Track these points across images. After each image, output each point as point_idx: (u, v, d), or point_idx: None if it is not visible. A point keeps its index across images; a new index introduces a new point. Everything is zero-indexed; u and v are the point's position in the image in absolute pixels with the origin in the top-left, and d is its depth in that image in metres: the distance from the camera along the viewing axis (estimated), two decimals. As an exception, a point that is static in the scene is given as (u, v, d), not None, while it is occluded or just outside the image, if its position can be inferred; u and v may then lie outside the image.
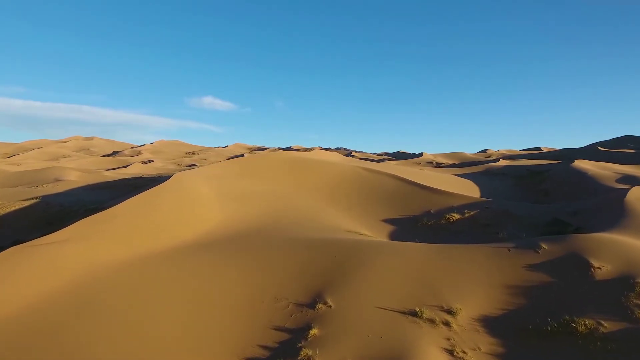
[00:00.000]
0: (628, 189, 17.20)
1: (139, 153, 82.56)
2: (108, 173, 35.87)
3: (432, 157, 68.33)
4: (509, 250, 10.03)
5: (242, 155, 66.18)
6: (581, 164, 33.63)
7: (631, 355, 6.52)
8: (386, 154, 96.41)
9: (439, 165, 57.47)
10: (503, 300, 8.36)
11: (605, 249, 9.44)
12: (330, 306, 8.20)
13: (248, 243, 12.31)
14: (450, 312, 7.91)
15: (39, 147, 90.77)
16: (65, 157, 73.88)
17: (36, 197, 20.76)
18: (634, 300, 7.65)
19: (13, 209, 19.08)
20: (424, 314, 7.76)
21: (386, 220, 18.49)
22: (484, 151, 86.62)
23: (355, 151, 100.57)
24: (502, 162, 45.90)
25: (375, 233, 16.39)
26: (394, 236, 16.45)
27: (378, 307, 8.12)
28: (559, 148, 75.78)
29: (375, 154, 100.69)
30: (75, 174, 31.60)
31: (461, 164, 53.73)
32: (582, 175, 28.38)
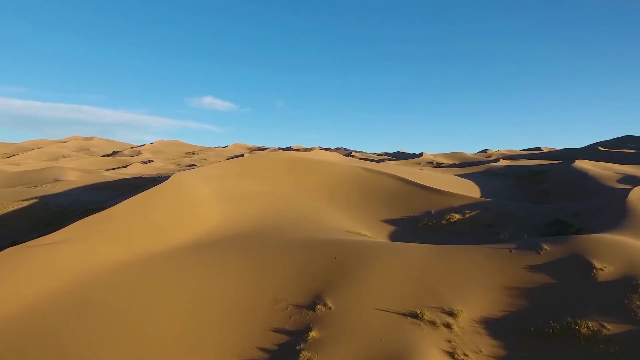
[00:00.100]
0: (630, 189, 17.12)
1: (138, 153, 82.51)
2: (107, 173, 35.80)
3: (432, 157, 68.25)
4: (510, 251, 9.96)
5: (242, 155, 66.12)
6: (582, 164, 33.55)
7: (634, 357, 6.45)
8: (386, 154, 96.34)
9: (439, 165, 57.39)
10: (504, 301, 8.28)
11: (607, 250, 9.37)
12: (330, 308, 8.13)
13: (247, 243, 12.24)
14: (451, 313, 7.84)
15: (38, 147, 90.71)
16: (64, 157, 73.83)
17: (35, 198, 20.70)
18: (637, 302, 7.58)
19: (12, 209, 19.01)
20: (424, 316, 7.69)
21: (386, 221, 18.41)
22: (484, 151, 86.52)
23: (355, 151, 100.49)
24: (503, 162, 45.81)
25: (375, 233, 16.32)
26: (394, 237, 16.38)
27: (378, 309, 8.05)
28: (559, 148, 75.71)
29: (375, 154, 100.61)
30: (75, 174, 31.54)
31: (461, 164, 53.66)
32: (583, 175, 28.30)
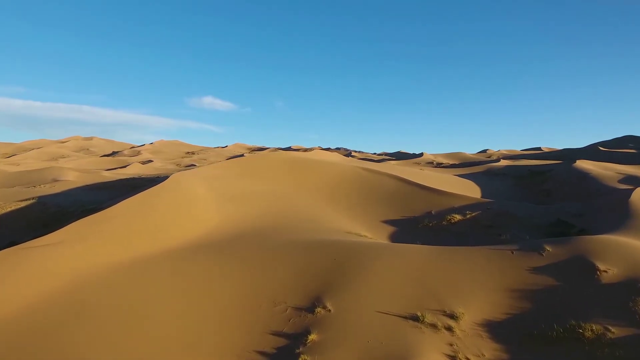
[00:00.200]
0: (632, 190, 16.98)
1: (138, 153, 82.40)
2: (107, 173, 35.69)
3: (432, 157, 68.11)
4: (512, 253, 9.83)
5: (242, 155, 66.03)
6: (583, 164, 33.41)
7: (640, 362, 6.33)
8: (386, 154, 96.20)
9: (439, 165, 57.27)
10: (507, 304, 8.16)
11: (611, 251, 9.24)
12: (329, 310, 8.01)
13: (247, 244, 12.12)
14: (452, 316, 7.71)
15: (38, 147, 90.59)
16: (64, 157, 73.72)
17: (33, 198, 20.59)
18: (642, 305, 7.45)
19: (10, 209, 18.91)
20: (425, 319, 7.57)
21: (386, 221, 18.29)
22: (484, 151, 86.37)
23: (355, 151, 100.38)
24: (503, 162, 45.68)
25: (375, 234, 16.20)
26: (394, 237, 16.26)
27: (379, 312, 7.93)
28: (560, 148, 75.53)
29: (375, 154, 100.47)
30: (74, 174, 31.42)
31: (461, 164, 53.53)
32: (584, 175, 28.17)
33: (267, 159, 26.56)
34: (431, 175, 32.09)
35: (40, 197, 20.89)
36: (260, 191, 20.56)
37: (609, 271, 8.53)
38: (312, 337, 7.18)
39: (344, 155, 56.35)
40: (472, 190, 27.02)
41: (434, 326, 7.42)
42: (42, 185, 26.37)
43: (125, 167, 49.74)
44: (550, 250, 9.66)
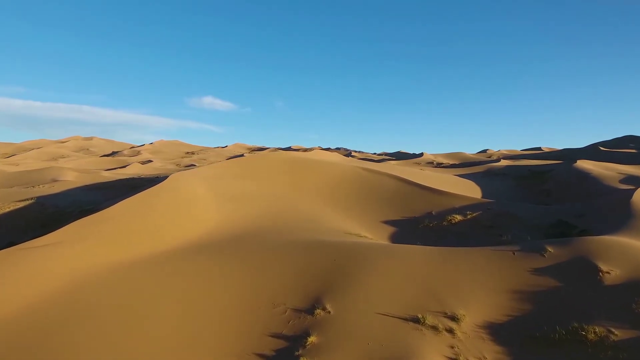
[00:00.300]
0: (634, 190, 16.88)
1: (138, 153, 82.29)
2: (106, 173, 35.59)
3: (432, 157, 68.00)
4: (514, 254, 9.74)
5: (242, 155, 65.94)
6: (584, 164, 33.31)
7: (644, 365, 6.24)
8: (386, 154, 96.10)
9: (439, 165, 57.18)
10: (508, 306, 8.07)
11: (613, 252, 9.15)
12: (329, 312, 7.92)
13: (245, 245, 12.03)
14: (453, 318, 7.62)
15: (38, 147, 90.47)
16: (64, 157, 73.61)
17: (32, 198, 20.49)
18: (645, 307, 7.36)
19: (8, 209, 18.81)
20: (426, 321, 7.48)
21: (386, 222, 18.19)
22: (484, 151, 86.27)
23: (355, 151, 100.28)
24: (504, 162, 45.59)
25: (375, 235, 16.10)
26: (394, 238, 16.16)
27: (379, 313, 7.84)
28: (560, 148, 75.40)
29: (375, 154, 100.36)
30: (73, 174, 31.33)
31: (462, 164, 53.44)
32: (585, 175, 28.07)
33: (267, 159, 26.47)
34: (431, 175, 32.01)
35: (38, 198, 20.80)
36: (260, 191, 20.47)
37: (612, 272, 8.44)
38: (312, 339, 7.09)
39: (344, 155, 56.26)
40: (472, 191, 26.93)
41: (434, 328, 7.33)
42: (41, 186, 26.28)
43: (124, 167, 49.64)
44: (552, 251, 9.57)
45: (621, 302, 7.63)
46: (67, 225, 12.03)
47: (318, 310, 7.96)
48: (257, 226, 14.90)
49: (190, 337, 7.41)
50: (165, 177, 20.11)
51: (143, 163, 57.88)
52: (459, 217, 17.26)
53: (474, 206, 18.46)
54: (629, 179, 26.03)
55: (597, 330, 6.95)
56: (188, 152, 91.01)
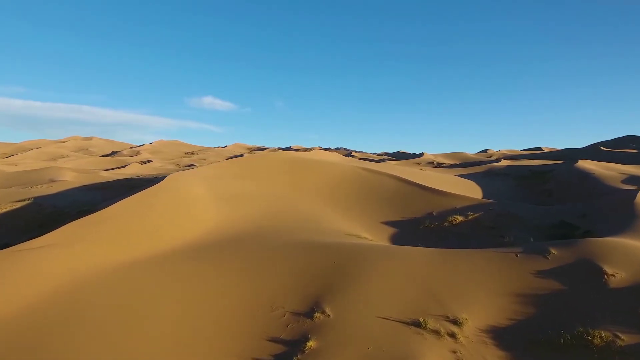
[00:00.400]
0: (637, 190, 16.71)
1: (137, 153, 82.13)
2: (105, 173, 35.43)
3: (432, 157, 67.82)
4: (516, 256, 9.58)
5: (242, 155, 65.78)
6: (585, 164, 33.13)
7: (652, 371, 6.08)
8: (386, 154, 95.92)
9: (439, 165, 57.01)
10: (511, 309, 7.90)
11: (618, 254, 8.99)
12: (328, 315, 7.76)
13: (244, 247, 11.88)
14: (455, 322, 7.46)
15: (37, 147, 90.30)
16: (63, 157, 73.47)
17: (29, 199, 20.34)
18: (652, 311, 7.20)
19: (5, 210, 18.66)
20: (428, 325, 7.31)
21: (387, 223, 18.03)
22: (484, 151, 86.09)
23: (355, 151, 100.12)
24: (504, 162, 45.41)
25: (375, 236, 15.94)
26: (395, 239, 16.00)
27: (379, 317, 7.68)
28: (560, 148, 75.19)
29: (375, 154, 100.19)
30: (71, 175, 31.16)
31: (462, 164, 53.27)
32: (587, 175, 27.89)
33: (267, 159, 26.32)
34: (432, 175, 31.84)
35: (36, 198, 20.65)
36: (259, 191, 20.32)
37: (617, 275, 8.28)
38: (311, 343, 6.92)
39: (344, 155, 56.13)
40: (473, 191, 26.77)
41: (436, 332, 7.17)
42: (39, 186, 26.12)
43: (124, 167, 49.48)
44: (556, 253, 9.40)
45: (627, 305, 7.46)
46: (65, 226, 11.89)
47: (317, 314, 7.80)
48: (256, 226, 14.75)
49: (188, 339, 7.29)
50: (164, 177, 19.95)
51: (142, 163, 57.72)
52: (460, 218, 17.09)
53: (475, 207, 18.29)
54: (631, 179, 25.84)
55: (603, 334, 6.78)
56: (188, 152, 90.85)
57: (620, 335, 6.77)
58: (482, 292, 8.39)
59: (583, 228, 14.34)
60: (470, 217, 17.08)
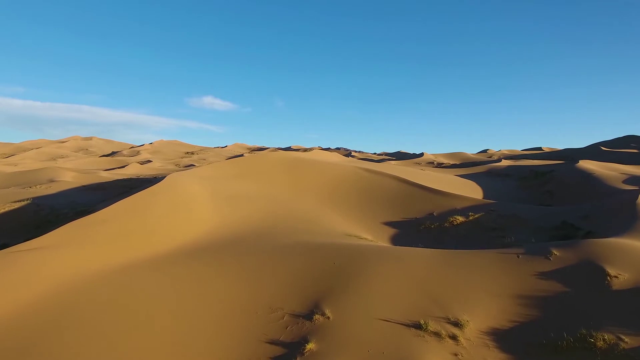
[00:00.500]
0: (639, 191, 16.61)
1: (137, 153, 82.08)
2: (104, 174, 35.35)
3: (433, 157, 67.73)
4: (518, 257, 9.48)
5: (242, 155, 65.70)
6: (586, 164, 33.02)
7: (656, 374, 5.97)
8: (386, 154, 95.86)
9: (440, 165, 56.92)
10: (513, 311, 7.80)
11: (621, 255, 8.88)
12: (328, 317, 7.66)
13: (243, 248, 11.79)
14: (457, 324, 7.36)
15: (37, 147, 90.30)
16: (63, 158, 73.43)
17: (27, 199, 20.25)
18: (656, 313, 7.09)
19: (3, 210, 18.57)
20: (429, 327, 7.21)
21: (387, 223, 17.93)
22: (485, 151, 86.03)
23: (355, 151, 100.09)
24: (505, 163, 45.33)
25: (375, 237, 15.84)
26: (395, 240, 15.90)
27: (380, 319, 7.58)
28: (561, 148, 75.12)
29: (375, 154, 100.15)
30: (71, 175, 31.07)
31: (462, 164, 53.19)
32: (588, 175, 27.79)
33: (266, 159, 26.23)
34: (432, 175, 31.75)
35: (34, 198, 20.57)
36: (258, 192, 20.23)
37: (620, 277, 8.17)
38: (310, 346, 6.83)
39: (344, 155, 56.06)
40: (473, 191, 26.67)
41: (437, 335, 7.07)
42: (38, 186, 26.05)
43: (123, 167, 49.41)
44: (558, 254, 9.30)
45: (631, 307, 7.36)
46: (63, 227, 11.83)
47: (317, 316, 7.70)
48: (255, 227, 14.66)
49: (186, 340, 7.20)
50: (163, 178, 19.86)
51: (142, 163, 57.65)
52: (461, 219, 16.99)
53: (476, 207, 18.19)
54: (633, 180, 25.73)
55: (606, 337, 6.68)
56: (187, 152, 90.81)
57: (623, 337, 6.67)
58: (483, 294, 8.29)
59: (585, 229, 14.23)
60: (471, 218, 16.98)
